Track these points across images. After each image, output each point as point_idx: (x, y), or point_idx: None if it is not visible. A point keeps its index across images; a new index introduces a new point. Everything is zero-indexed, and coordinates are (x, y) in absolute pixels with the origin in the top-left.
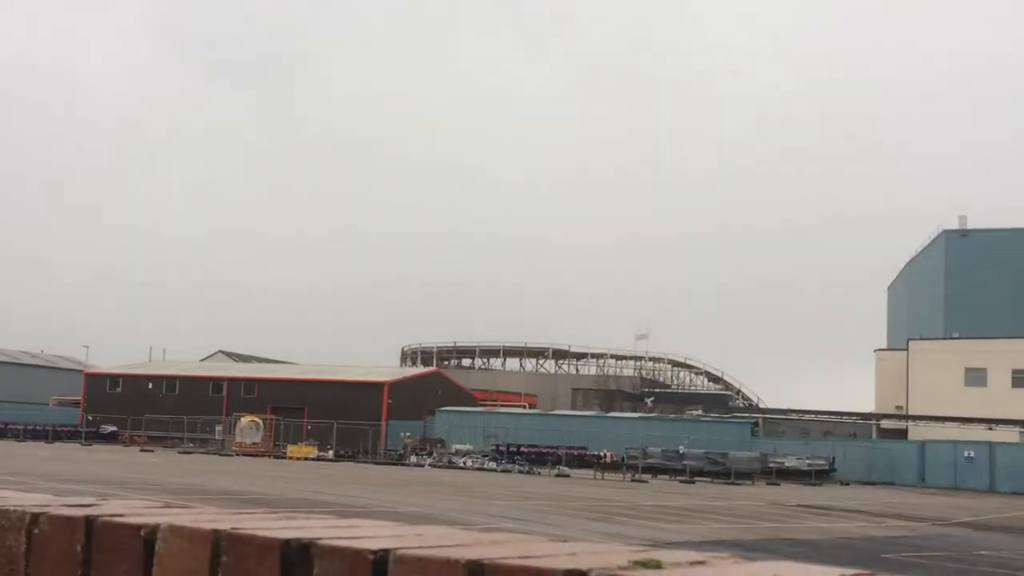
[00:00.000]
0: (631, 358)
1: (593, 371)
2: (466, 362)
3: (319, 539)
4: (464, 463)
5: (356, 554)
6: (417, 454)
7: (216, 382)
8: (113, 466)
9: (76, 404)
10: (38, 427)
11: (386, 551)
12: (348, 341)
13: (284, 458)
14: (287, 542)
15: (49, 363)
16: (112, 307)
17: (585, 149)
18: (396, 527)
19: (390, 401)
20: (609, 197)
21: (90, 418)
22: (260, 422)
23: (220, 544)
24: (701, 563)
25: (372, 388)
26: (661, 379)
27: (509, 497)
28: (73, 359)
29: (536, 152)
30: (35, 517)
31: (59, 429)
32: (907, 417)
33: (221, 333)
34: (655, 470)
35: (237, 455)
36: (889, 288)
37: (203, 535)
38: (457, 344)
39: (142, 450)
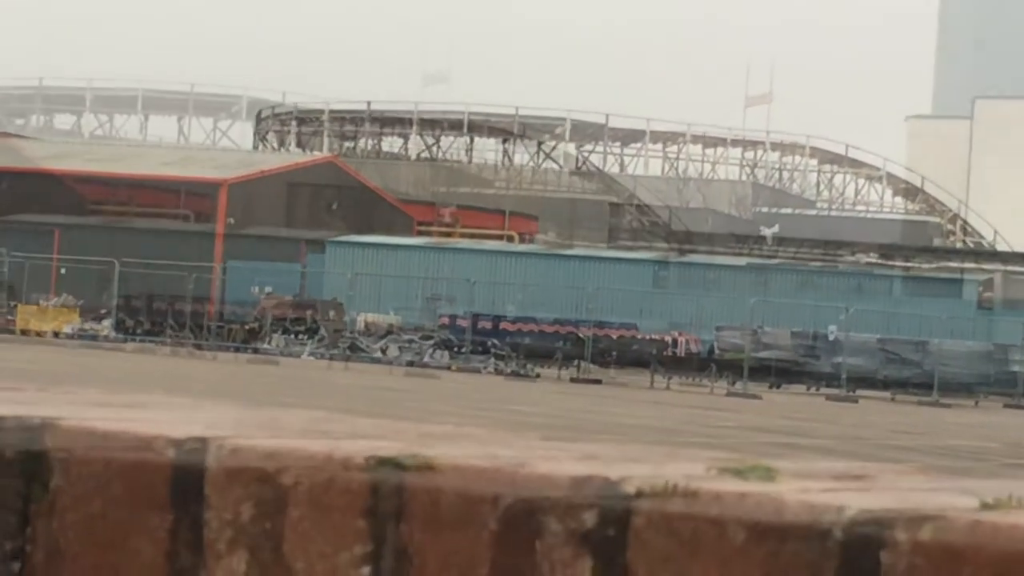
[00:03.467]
0: (734, 143)
1: (656, 169)
2: (391, 144)
3: (60, 419)
4: (383, 352)
5: (139, 443)
6: (287, 331)
7: None
8: None
9: None
10: None
11: (201, 440)
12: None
13: (9, 331)
14: None
15: None
16: None
17: None
18: (229, 408)
19: (232, 220)
20: None
21: None
22: None
23: None
24: (858, 477)
25: (194, 193)
26: (796, 189)
27: (461, 423)
28: None
29: None
30: None
31: None
32: None
33: None
34: (779, 373)
35: None
36: None
37: None
38: (373, 107)
39: None
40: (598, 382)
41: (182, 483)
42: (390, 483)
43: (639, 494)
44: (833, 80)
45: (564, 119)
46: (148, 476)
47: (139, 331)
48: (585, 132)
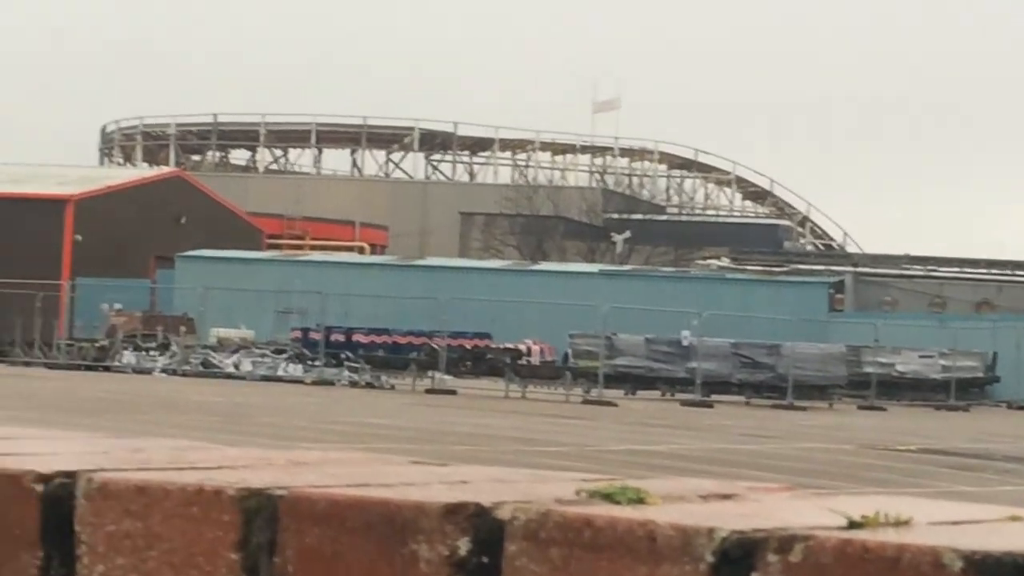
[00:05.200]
0: (583, 150)
1: (506, 177)
2: (238, 156)
3: None
4: (236, 366)
5: (6, 479)
6: (138, 347)
7: None
8: None
9: None
10: None
11: (70, 475)
12: None
13: None
14: None
15: None
16: None
17: None
18: (93, 439)
19: (79, 237)
20: None
21: None
22: None
23: None
24: (727, 496)
25: (41, 210)
26: (646, 194)
27: (318, 438)
28: None
29: None
30: None
31: None
32: None
33: None
34: (633, 380)
35: None
36: None
37: None
38: (220, 120)
39: None
40: (453, 392)
41: (53, 521)
42: (263, 515)
43: (513, 520)
44: (682, 85)
45: (412, 128)
46: (17, 512)
47: None
48: (434, 141)
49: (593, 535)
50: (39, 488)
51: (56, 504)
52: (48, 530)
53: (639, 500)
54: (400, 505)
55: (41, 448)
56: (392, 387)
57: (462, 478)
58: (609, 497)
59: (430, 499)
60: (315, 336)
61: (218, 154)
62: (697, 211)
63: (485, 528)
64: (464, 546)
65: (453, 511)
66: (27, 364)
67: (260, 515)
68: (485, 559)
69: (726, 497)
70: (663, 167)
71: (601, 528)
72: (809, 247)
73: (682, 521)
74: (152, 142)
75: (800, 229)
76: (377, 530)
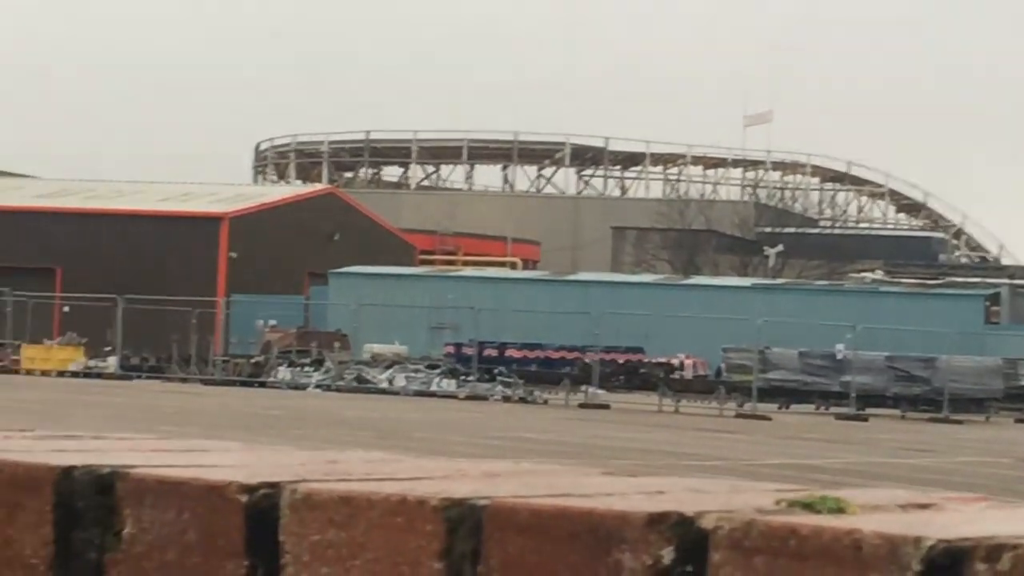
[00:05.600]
0: (735, 163)
1: (657, 192)
2: (391, 173)
3: (130, 468)
4: (389, 382)
5: (212, 490)
6: (292, 363)
7: None
8: None
9: None
10: None
11: (273, 486)
12: (139, 137)
13: (14, 372)
14: (68, 472)
15: None
16: None
17: None
18: (286, 451)
19: (234, 254)
20: None
21: None
22: None
23: None
24: (925, 506)
25: (196, 228)
26: (799, 208)
27: (474, 453)
28: None
29: None
30: None
31: None
32: None
33: None
34: (787, 394)
35: None
36: None
37: None
38: (372, 137)
39: None
40: (606, 407)
41: (257, 531)
42: (466, 525)
43: (717, 529)
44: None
45: (563, 143)
46: (222, 523)
47: (144, 367)
48: (585, 156)
49: (798, 544)
50: (243, 499)
51: (260, 515)
52: (252, 540)
53: (839, 510)
54: (604, 515)
55: (234, 460)
56: (545, 402)
57: (658, 488)
58: (809, 507)
59: (633, 509)
60: (468, 351)
61: (370, 171)
62: (850, 224)
63: (689, 537)
64: (668, 555)
65: (657, 520)
66: (183, 380)
67: (463, 525)
68: (689, 568)
69: (924, 507)
70: (815, 180)
71: (806, 537)
72: (964, 259)
73: (887, 530)
74: (305, 159)
75: (955, 241)
76: (581, 540)
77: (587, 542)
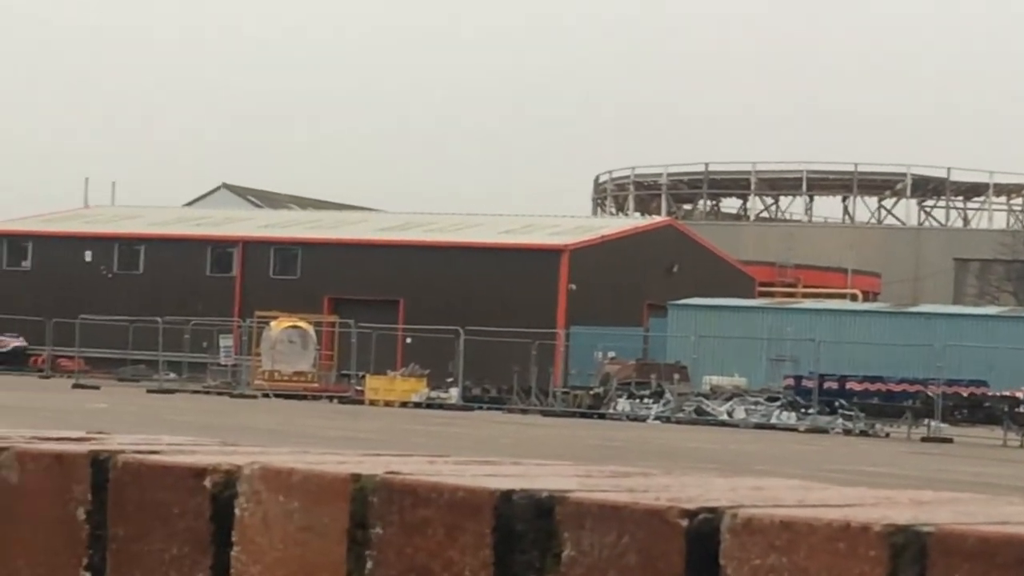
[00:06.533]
0: None
1: (1001, 222)
2: (729, 205)
3: (567, 492)
4: (729, 414)
5: (652, 514)
6: (632, 395)
7: (219, 248)
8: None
9: None
10: None
11: (713, 510)
12: (477, 171)
13: (358, 402)
14: (507, 495)
15: None
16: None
17: None
18: (701, 477)
19: (573, 286)
20: None
21: None
22: (310, 330)
23: (366, 500)
24: None
25: (536, 260)
26: None
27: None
28: None
29: None
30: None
31: None
32: None
33: (218, 154)
34: None
35: (265, 396)
36: None
37: (328, 485)
38: (711, 169)
39: (76, 385)
40: (949, 441)
41: (697, 555)
42: (910, 551)
43: None
44: None
45: (904, 174)
46: (663, 547)
47: (485, 398)
48: (926, 187)
49: None
50: (684, 523)
51: (700, 539)
52: (692, 564)
53: None
54: None
55: (661, 484)
56: (886, 435)
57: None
58: None
59: None
60: (808, 384)
61: (709, 203)
62: None
63: None
64: None
65: None
66: (524, 412)
67: (907, 551)
68: None
69: None
70: None
71: None
72: None
73: None
74: (644, 192)
75: None
76: None
77: None
